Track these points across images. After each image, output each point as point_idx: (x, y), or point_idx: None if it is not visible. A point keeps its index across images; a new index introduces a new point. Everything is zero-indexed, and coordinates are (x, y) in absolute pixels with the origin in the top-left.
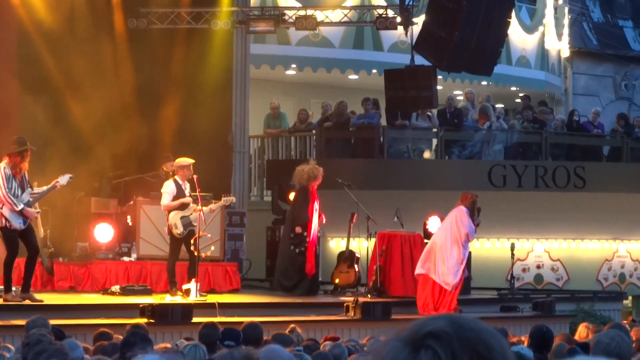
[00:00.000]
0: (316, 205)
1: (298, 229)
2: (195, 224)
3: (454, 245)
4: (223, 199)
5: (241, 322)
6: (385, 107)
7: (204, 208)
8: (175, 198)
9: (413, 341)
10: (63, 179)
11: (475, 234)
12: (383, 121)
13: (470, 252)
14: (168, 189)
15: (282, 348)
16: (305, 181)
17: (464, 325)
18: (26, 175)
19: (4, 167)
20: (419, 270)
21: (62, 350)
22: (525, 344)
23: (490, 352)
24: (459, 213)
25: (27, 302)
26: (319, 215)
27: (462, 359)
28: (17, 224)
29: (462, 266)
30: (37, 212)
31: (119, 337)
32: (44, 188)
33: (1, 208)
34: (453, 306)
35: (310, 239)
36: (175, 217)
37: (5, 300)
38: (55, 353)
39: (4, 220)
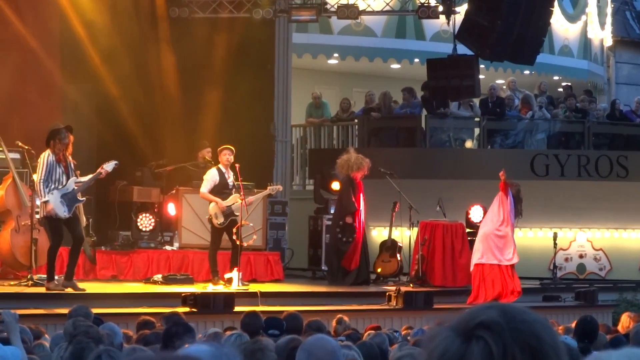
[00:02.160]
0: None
1: (349, 219)
2: (237, 213)
3: (509, 223)
4: (269, 187)
5: (282, 312)
6: (421, 97)
7: (250, 198)
8: (217, 187)
9: (464, 331)
10: (108, 166)
11: (517, 223)
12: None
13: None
14: (209, 176)
15: (328, 337)
16: (350, 171)
17: (515, 316)
18: (72, 163)
19: (48, 155)
20: (478, 260)
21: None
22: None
23: (542, 344)
24: (504, 200)
25: (70, 290)
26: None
27: (513, 350)
28: (62, 212)
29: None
30: (81, 201)
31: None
32: (89, 176)
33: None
34: (517, 288)
35: (359, 232)
36: (214, 208)
37: (48, 288)
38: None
39: (49, 209)
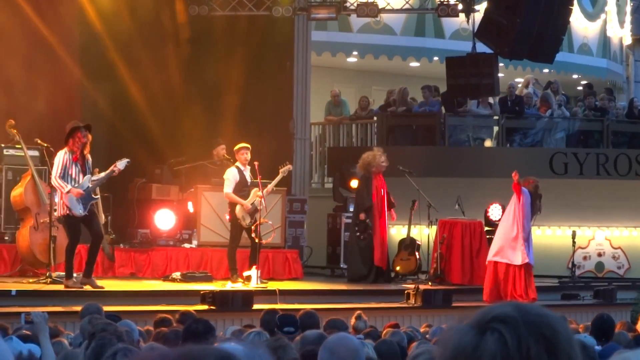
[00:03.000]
0: (384, 195)
1: (362, 216)
2: (259, 208)
3: (519, 226)
4: (280, 170)
5: (301, 310)
6: (441, 95)
7: (267, 188)
8: (237, 185)
9: (479, 325)
10: (121, 164)
11: (536, 222)
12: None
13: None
14: (230, 175)
15: (351, 336)
16: (366, 169)
17: (529, 311)
18: (89, 161)
19: (64, 153)
20: (493, 257)
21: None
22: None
23: (556, 336)
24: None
25: (88, 288)
26: (389, 210)
27: (528, 342)
28: (78, 210)
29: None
30: (95, 198)
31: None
32: (103, 174)
33: (62, 196)
34: (532, 294)
35: (376, 229)
36: (241, 210)
37: (66, 286)
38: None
39: (65, 208)
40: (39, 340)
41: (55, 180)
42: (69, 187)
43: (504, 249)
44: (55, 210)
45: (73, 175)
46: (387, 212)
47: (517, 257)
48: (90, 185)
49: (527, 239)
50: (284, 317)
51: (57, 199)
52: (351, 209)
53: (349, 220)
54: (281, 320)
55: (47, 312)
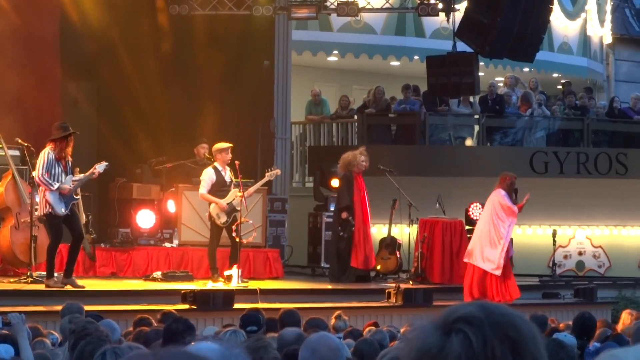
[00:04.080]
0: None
1: (344, 214)
2: (238, 209)
3: (495, 228)
4: (267, 173)
5: (279, 309)
6: (422, 93)
7: (250, 189)
8: (214, 185)
9: (444, 325)
10: (100, 167)
11: (516, 220)
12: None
13: (511, 239)
14: (206, 176)
15: (331, 335)
16: (347, 168)
17: (494, 311)
18: (69, 161)
19: (48, 152)
20: (466, 258)
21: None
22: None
23: (521, 336)
24: (497, 197)
25: (69, 287)
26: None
27: (493, 342)
28: (60, 209)
29: (503, 246)
30: (77, 198)
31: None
32: (82, 176)
33: (44, 195)
34: (515, 294)
35: (357, 228)
36: (216, 208)
37: (47, 286)
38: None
39: (47, 207)
40: (18, 341)
41: (41, 178)
42: (57, 184)
43: (477, 251)
44: (36, 209)
45: (56, 175)
46: (369, 212)
47: (487, 264)
48: (72, 186)
49: (502, 244)
50: (247, 316)
51: (37, 199)
52: (332, 208)
53: (330, 220)
54: (244, 319)
55: (26, 311)
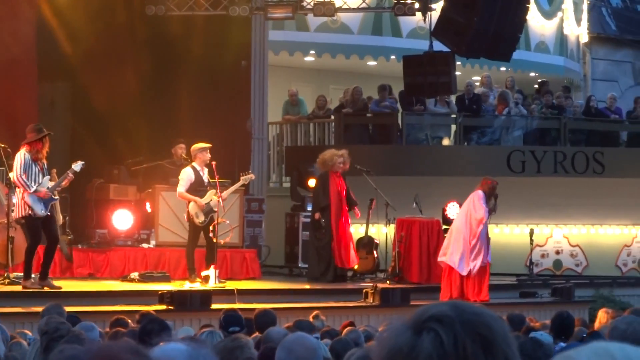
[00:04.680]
0: (343, 195)
1: (317, 215)
2: (215, 209)
3: (470, 230)
4: (242, 177)
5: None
6: (399, 93)
7: (224, 193)
8: (192, 185)
9: (415, 324)
10: (76, 166)
11: (494, 220)
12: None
13: (489, 238)
14: (185, 175)
15: (308, 335)
16: (323, 167)
17: (466, 309)
18: (45, 162)
19: (24, 154)
20: (440, 258)
21: (79, 336)
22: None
23: (493, 335)
24: (475, 197)
25: (46, 289)
26: (350, 209)
27: (465, 341)
28: (40, 210)
29: (477, 250)
30: (55, 199)
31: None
32: (60, 179)
33: (23, 197)
34: (483, 296)
35: (334, 228)
36: (194, 207)
37: (24, 287)
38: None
39: (27, 208)
40: None
41: (19, 179)
42: (35, 186)
43: (455, 252)
44: (12, 211)
45: (33, 176)
46: (348, 211)
47: (462, 266)
48: (49, 187)
49: (477, 245)
50: (229, 316)
51: (14, 200)
52: (309, 209)
53: (307, 220)
54: (226, 319)
55: (4, 313)
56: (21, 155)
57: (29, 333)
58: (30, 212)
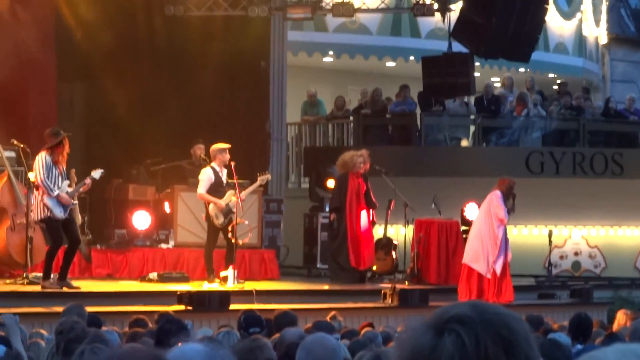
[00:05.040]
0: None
1: (332, 216)
2: (234, 210)
3: (490, 231)
4: (259, 178)
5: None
6: (417, 94)
7: (243, 193)
8: (212, 186)
9: (436, 325)
10: (95, 174)
11: (512, 221)
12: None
13: (507, 239)
14: (205, 176)
15: (328, 336)
16: (343, 168)
17: (486, 310)
18: (64, 166)
19: (45, 156)
20: (464, 260)
21: (101, 336)
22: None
23: (514, 335)
24: (493, 197)
25: (65, 289)
26: (366, 210)
27: (486, 342)
28: (59, 213)
29: (497, 250)
30: (74, 204)
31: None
32: (78, 185)
33: (42, 199)
34: (507, 297)
35: (349, 229)
36: (214, 209)
37: (43, 287)
38: (96, 339)
39: (46, 210)
40: (11, 342)
41: (44, 181)
42: (57, 191)
43: (475, 253)
44: (31, 211)
45: (53, 179)
46: (368, 212)
47: (483, 267)
48: (69, 191)
49: (498, 246)
50: (250, 317)
51: (33, 201)
52: (328, 209)
53: (326, 220)
54: (247, 320)
55: (22, 313)
56: (42, 158)
57: (45, 333)
58: (49, 214)
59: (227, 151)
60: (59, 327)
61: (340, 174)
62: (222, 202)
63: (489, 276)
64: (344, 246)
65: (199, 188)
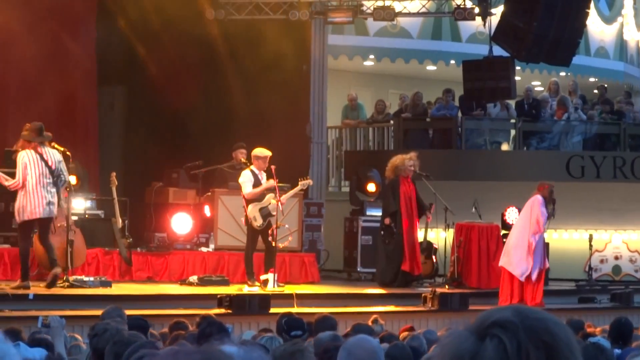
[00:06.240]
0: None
1: (387, 220)
2: (274, 213)
3: (530, 235)
4: (300, 182)
5: (316, 314)
6: (459, 98)
7: (283, 197)
8: (253, 187)
9: (478, 330)
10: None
11: (553, 225)
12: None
13: (547, 243)
14: (246, 178)
15: (370, 338)
16: (394, 172)
17: (529, 315)
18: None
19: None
20: (501, 262)
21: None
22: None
23: (556, 341)
24: (535, 202)
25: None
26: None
27: (528, 347)
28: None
29: (533, 255)
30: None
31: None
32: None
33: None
34: (538, 300)
35: (406, 234)
36: (254, 210)
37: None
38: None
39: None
40: (54, 344)
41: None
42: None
43: (513, 256)
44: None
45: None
46: (419, 216)
47: (519, 270)
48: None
49: (537, 250)
50: (291, 320)
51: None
52: (368, 213)
53: (366, 224)
54: (288, 324)
55: (63, 316)
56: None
57: (78, 337)
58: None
59: (267, 160)
60: (91, 331)
61: (391, 179)
62: (260, 206)
63: (522, 279)
64: (401, 250)
65: (244, 188)
